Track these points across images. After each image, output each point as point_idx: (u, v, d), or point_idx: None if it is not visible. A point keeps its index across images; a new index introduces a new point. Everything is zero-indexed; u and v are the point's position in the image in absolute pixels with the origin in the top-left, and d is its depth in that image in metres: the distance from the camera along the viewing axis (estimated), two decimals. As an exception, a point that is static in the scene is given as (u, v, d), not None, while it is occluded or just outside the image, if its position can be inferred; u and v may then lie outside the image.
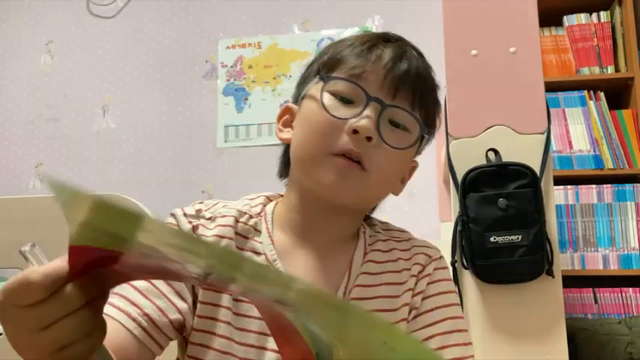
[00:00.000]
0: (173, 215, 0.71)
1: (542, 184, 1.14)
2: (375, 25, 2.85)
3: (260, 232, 0.71)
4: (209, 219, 0.70)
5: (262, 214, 0.73)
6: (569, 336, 1.16)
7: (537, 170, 1.15)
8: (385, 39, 0.73)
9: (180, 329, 0.67)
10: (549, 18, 2.12)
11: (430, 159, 2.64)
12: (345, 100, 0.68)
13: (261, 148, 2.73)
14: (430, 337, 0.68)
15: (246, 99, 2.84)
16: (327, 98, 0.68)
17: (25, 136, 3.06)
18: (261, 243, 0.70)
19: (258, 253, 0.69)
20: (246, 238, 0.70)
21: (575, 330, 1.74)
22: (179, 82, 2.90)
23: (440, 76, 1.33)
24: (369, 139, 0.65)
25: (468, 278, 1.16)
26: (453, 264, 1.17)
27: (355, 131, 0.65)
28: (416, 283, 0.71)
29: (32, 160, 3.02)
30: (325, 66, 0.71)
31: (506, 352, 1.13)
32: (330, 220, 0.71)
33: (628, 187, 2.02)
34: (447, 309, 0.71)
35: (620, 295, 1.97)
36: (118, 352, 0.56)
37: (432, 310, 0.70)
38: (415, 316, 0.70)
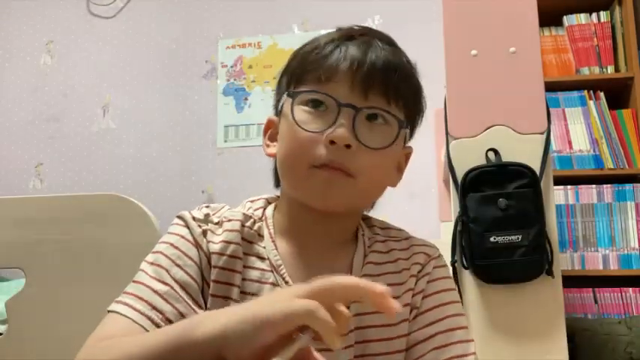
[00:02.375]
0: (181, 218, 0.71)
1: (542, 184, 1.14)
2: (375, 25, 2.85)
3: (263, 236, 0.71)
4: (217, 223, 0.70)
5: (263, 218, 0.73)
6: (568, 336, 1.16)
7: (537, 170, 1.15)
8: (348, 36, 0.70)
9: None
10: (549, 18, 2.12)
11: (430, 159, 2.64)
12: (319, 108, 0.67)
13: (261, 148, 2.72)
14: (431, 337, 0.68)
15: (246, 99, 2.85)
16: (299, 113, 0.67)
17: (25, 136, 3.06)
18: (264, 248, 0.70)
19: (262, 259, 0.69)
20: (251, 243, 0.70)
21: (575, 330, 1.74)
22: (179, 82, 2.90)
23: (440, 76, 1.33)
24: (347, 146, 0.65)
25: (468, 278, 1.16)
26: (453, 264, 1.17)
27: (332, 142, 0.65)
28: (416, 283, 0.72)
29: (32, 160, 3.02)
30: (294, 77, 0.71)
31: (506, 352, 1.13)
32: (327, 225, 0.71)
33: (628, 187, 2.02)
34: (447, 307, 0.71)
35: (619, 295, 1.97)
36: None
37: (432, 308, 0.71)
38: (416, 316, 0.70)
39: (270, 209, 0.75)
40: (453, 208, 1.20)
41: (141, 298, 0.63)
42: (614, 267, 1.98)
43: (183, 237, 0.69)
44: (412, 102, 0.73)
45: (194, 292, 0.65)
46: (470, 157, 1.18)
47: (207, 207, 0.73)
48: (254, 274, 0.68)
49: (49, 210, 1.10)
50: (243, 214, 0.72)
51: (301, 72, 0.69)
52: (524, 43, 1.20)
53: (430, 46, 2.82)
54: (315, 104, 0.67)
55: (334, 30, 0.74)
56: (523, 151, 1.17)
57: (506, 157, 1.17)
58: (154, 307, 0.62)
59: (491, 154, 1.18)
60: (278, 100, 0.74)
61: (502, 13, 1.22)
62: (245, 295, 0.67)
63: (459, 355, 0.67)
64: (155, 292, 0.63)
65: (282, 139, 0.70)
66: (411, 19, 2.81)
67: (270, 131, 0.75)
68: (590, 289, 1.99)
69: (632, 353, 1.65)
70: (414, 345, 0.69)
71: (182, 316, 0.62)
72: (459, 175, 1.17)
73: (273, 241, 0.71)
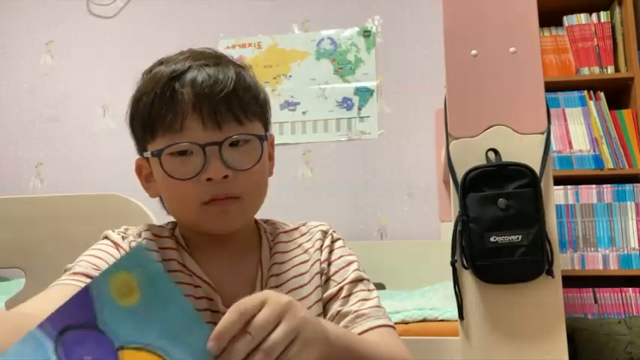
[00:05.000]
0: (105, 236, 0.77)
1: (542, 184, 1.14)
2: (375, 25, 2.85)
3: (178, 245, 0.77)
4: (137, 234, 0.77)
5: (175, 230, 0.79)
6: (568, 336, 1.16)
7: (537, 170, 1.15)
8: (174, 75, 0.73)
9: None
10: (549, 18, 2.12)
11: (430, 159, 2.64)
12: (185, 155, 0.71)
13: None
14: (339, 289, 0.78)
15: (246, 99, 2.85)
16: (169, 165, 0.71)
17: (25, 136, 3.06)
18: (181, 255, 0.76)
19: (180, 264, 0.75)
20: (167, 249, 0.76)
21: (575, 330, 1.74)
22: (179, 82, 2.90)
23: (440, 76, 1.33)
24: (225, 177, 0.70)
25: (468, 278, 1.16)
26: (453, 264, 1.17)
27: (210, 179, 0.70)
28: (321, 254, 0.82)
29: (32, 160, 3.03)
30: (146, 127, 0.73)
31: (506, 352, 1.13)
32: (228, 237, 0.77)
33: (628, 187, 2.02)
34: (348, 267, 0.81)
35: (619, 295, 1.97)
36: None
37: (337, 271, 0.81)
38: (326, 280, 0.80)
39: (177, 230, 0.80)
40: (453, 208, 1.20)
41: (82, 274, 0.68)
42: (614, 267, 1.99)
43: (104, 244, 0.75)
44: (258, 105, 0.77)
45: None
46: (470, 157, 1.18)
47: (125, 227, 0.79)
48: (175, 277, 0.73)
49: (49, 210, 1.10)
50: (158, 226, 0.80)
51: (151, 123, 0.72)
52: (524, 43, 1.20)
53: (430, 46, 2.83)
54: (180, 153, 0.71)
55: (156, 62, 0.78)
56: (523, 151, 1.17)
57: (506, 157, 1.17)
58: (88, 275, 0.67)
59: (491, 154, 1.18)
60: (138, 145, 0.78)
61: (502, 13, 1.22)
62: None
63: (363, 298, 0.77)
64: (85, 268, 0.69)
65: (162, 187, 0.75)
66: (411, 19, 2.81)
67: (144, 172, 0.79)
68: (590, 289, 1.99)
69: (632, 353, 1.65)
70: (326, 303, 0.79)
71: None
72: (459, 175, 1.17)
73: (186, 249, 0.77)
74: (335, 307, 0.77)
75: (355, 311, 0.75)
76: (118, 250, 0.73)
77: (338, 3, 2.89)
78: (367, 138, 2.78)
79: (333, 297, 0.78)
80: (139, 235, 0.76)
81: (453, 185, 1.19)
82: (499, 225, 1.12)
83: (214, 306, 0.73)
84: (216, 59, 0.76)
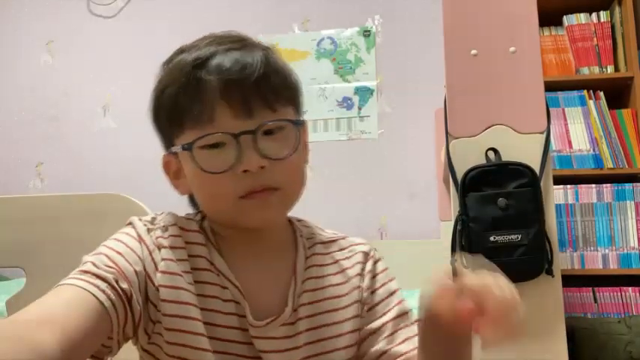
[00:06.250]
0: (130, 221, 0.72)
1: (541, 184, 1.15)
2: (375, 25, 2.85)
3: (205, 245, 0.71)
4: (163, 227, 0.70)
5: (205, 226, 0.73)
6: (568, 335, 1.17)
7: (537, 170, 1.15)
8: (198, 62, 0.67)
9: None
10: (549, 18, 2.12)
11: (430, 159, 2.64)
12: (217, 147, 0.66)
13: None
14: (383, 325, 0.73)
15: (246, 99, 2.85)
16: (202, 159, 0.66)
17: (25, 136, 3.06)
18: (209, 252, 0.71)
19: (208, 261, 0.70)
20: (195, 244, 0.71)
21: (575, 329, 1.74)
22: (179, 81, 2.90)
23: (440, 76, 1.33)
24: (262, 167, 0.65)
25: (467, 278, 1.16)
26: (452, 263, 1.17)
27: (246, 170, 0.65)
28: (362, 280, 0.75)
29: (32, 159, 3.02)
30: (173, 121, 0.69)
31: (506, 352, 1.13)
32: (262, 234, 0.72)
33: (627, 186, 2.02)
34: (392, 298, 0.75)
35: (619, 294, 1.97)
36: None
37: (380, 301, 0.75)
38: (369, 309, 0.74)
39: (207, 221, 0.74)
40: (453, 207, 1.20)
41: (89, 272, 0.62)
42: (613, 266, 1.99)
43: (128, 234, 0.69)
44: (289, 88, 0.72)
45: (132, 279, 0.64)
46: (470, 156, 1.18)
47: (153, 215, 0.74)
48: (202, 276, 0.68)
49: (49, 210, 1.10)
50: (186, 219, 0.73)
51: (178, 115, 0.68)
52: (524, 42, 1.20)
53: (430, 46, 2.83)
54: (212, 145, 0.66)
55: (176, 51, 0.73)
56: (523, 150, 1.17)
57: (506, 156, 1.17)
58: (101, 278, 0.61)
59: (491, 154, 1.18)
60: (165, 140, 0.73)
61: (502, 13, 1.23)
62: (199, 296, 0.67)
63: (410, 336, 0.71)
64: (98, 267, 0.63)
65: (194, 183, 0.70)
66: (411, 19, 2.81)
67: (173, 169, 0.74)
68: (590, 289, 2.00)
69: (631, 352, 1.65)
70: (366, 337, 0.73)
71: (126, 295, 0.62)
72: (459, 175, 1.17)
73: (215, 246, 0.71)
74: (379, 346, 0.71)
75: (404, 353, 0.70)
76: (141, 245, 0.68)
77: (338, 3, 2.89)
78: (367, 138, 2.78)
79: (374, 332, 0.73)
80: (166, 229, 0.70)
81: (452, 185, 1.19)
82: (499, 224, 1.12)
83: (241, 311, 0.68)
84: (242, 42, 0.71)
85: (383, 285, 0.76)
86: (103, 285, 0.61)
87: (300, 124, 0.70)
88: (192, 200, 0.76)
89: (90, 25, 3.09)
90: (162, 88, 0.71)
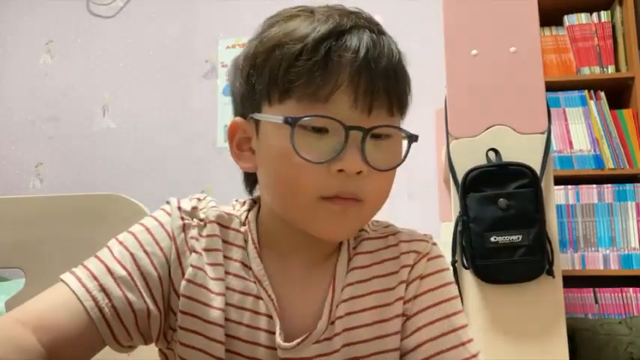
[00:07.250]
0: (168, 203, 0.65)
1: (542, 184, 1.14)
2: (375, 25, 2.85)
3: (247, 242, 0.64)
4: (201, 220, 0.64)
5: (247, 222, 0.66)
6: (569, 336, 1.16)
7: (538, 170, 1.15)
8: (339, 31, 0.58)
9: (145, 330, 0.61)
10: (550, 18, 2.12)
11: (430, 159, 2.64)
12: (320, 133, 0.57)
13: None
14: (418, 347, 0.61)
15: (247, 99, 2.84)
16: (300, 140, 0.56)
17: (25, 136, 3.06)
18: (248, 255, 0.64)
19: (246, 266, 0.63)
20: (233, 245, 0.64)
21: (576, 330, 1.74)
22: (179, 81, 2.90)
23: (440, 76, 1.33)
24: (358, 172, 0.57)
25: (468, 278, 1.16)
26: (453, 264, 1.17)
27: (341, 170, 0.56)
28: (406, 289, 0.64)
29: (32, 160, 3.02)
30: (276, 84, 0.58)
31: (506, 352, 1.13)
32: (313, 240, 0.62)
33: (628, 186, 2.02)
34: (437, 308, 0.63)
35: (620, 295, 1.97)
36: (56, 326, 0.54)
37: (419, 312, 0.63)
38: (405, 320, 0.63)
39: (252, 214, 0.66)
40: (453, 208, 1.20)
41: (95, 278, 0.58)
42: (614, 267, 1.98)
43: (161, 225, 0.63)
44: (409, 96, 0.63)
45: (153, 284, 0.60)
46: (470, 157, 1.18)
47: (199, 200, 0.66)
48: (237, 283, 0.62)
49: (49, 210, 1.10)
50: (228, 214, 0.66)
51: (288, 82, 0.57)
52: (524, 42, 1.20)
53: (430, 46, 2.82)
54: (316, 129, 0.57)
55: (310, 12, 0.62)
56: (523, 151, 1.17)
57: (507, 157, 1.17)
58: (104, 290, 0.58)
59: (491, 154, 1.18)
60: (247, 103, 0.62)
61: (502, 13, 1.22)
62: (229, 306, 0.61)
63: None
64: (111, 273, 0.59)
65: (271, 163, 0.60)
66: (411, 19, 2.81)
67: (238, 137, 0.64)
68: (591, 289, 1.99)
69: (632, 353, 1.65)
70: (403, 356, 0.62)
71: (130, 305, 0.58)
72: (460, 175, 1.17)
73: (256, 249, 0.63)
74: None
75: None
76: (171, 244, 0.61)
77: (338, 3, 2.89)
78: (367, 138, 2.78)
79: (407, 354, 0.61)
80: (204, 226, 0.63)
81: (453, 185, 1.19)
82: (499, 225, 1.12)
83: (272, 327, 0.60)
84: (377, 25, 0.61)
85: (429, 291, 0.63)
86: (100, 296, 0.57)
87: (414, 140, 0.60)
88: (249, 180, 0.68)
89: (90, 25, 3.09)
90: (273, 45, 0.59)
